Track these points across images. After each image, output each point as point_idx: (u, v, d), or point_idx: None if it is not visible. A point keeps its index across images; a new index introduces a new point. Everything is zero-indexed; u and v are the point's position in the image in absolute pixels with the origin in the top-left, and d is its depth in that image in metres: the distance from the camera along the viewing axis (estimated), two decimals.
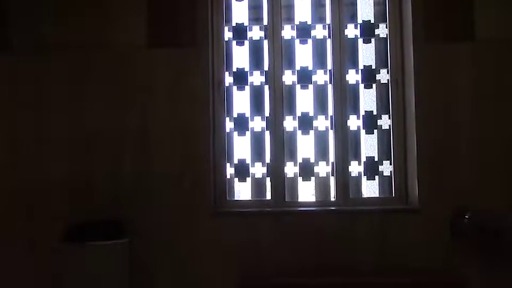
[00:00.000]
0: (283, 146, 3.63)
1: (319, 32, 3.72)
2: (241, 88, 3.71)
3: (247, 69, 3.71)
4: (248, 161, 3.65)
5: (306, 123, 3.67)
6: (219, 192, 3.56)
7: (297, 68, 3.70)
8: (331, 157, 3.64)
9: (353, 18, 3.76)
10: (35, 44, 3.48)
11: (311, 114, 3.68)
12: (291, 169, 3.64)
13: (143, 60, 3.47)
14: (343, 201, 3.57)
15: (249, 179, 3.65)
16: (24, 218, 3.39)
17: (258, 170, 3.64)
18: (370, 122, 3.67)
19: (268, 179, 3.63)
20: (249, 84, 3.70)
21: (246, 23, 3.74)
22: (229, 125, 3.66)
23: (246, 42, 3.73)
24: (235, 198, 3.68)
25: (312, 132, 3.67)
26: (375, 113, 3.68)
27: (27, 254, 3.35)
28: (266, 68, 3.68)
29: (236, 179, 3.65)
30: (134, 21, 3.48)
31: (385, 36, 3.70)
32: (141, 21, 3.48)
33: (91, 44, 3.48)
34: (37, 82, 3.47)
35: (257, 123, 3.67)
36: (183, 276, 3.36)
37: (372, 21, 3.74)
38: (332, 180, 3.63)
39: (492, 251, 3.33)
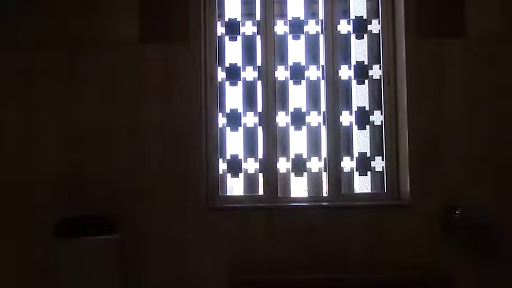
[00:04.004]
0: (276, 142, 3.63)
1: (312, 27, 3.72)
2: (233, 83, 3.70)
3: (239, 64, 3.70)
4: (241, 156, 3.65)
5: (298, 118, 3.67)
6: (211, 188, 3.55)
7: (290, 63, 3.69)
8: (324, 153, 3.65)
9: (346, 14, 3.77)
10: (24, 40, 3.44)
11: (303, 109, 3.68)
12: (283, 165, 3.64)
13: (135, 55, 3.45)
14: (335, 197, 3.58)
15: (241, 175, 3.64)
16: (15, 214, 3.37)
17: (251, 165, 3.63)
18: (363, 118, 3.68)
19: (260, 175, 3.63)
20: (241, 79, 3.69)
21: (239, 18, 3.73)
22: (221, 120, 3.65)
23: (239, 38, 3.72)
24: (228, 194, 3.68)
25: (304, 127, 3.67)
26: (367, 108, 3.69)
27: (19, 248, 3.33)
28: (259, 63, 3.67)
29: (229, 175, 3.65)
30: (126, 17, 3.45)
31: (377, 32, 3.70)
32: (133, 16, 3.45)
33: (82, 40, 3.45)
34: (27, 78, 3.44)
35: (250, 119, 3.66)
36: (175, 272, 3.35)
37: (365, 17, 3.74)
38: (324, 175, 3.64)
39: (483, 246, 3.34)
